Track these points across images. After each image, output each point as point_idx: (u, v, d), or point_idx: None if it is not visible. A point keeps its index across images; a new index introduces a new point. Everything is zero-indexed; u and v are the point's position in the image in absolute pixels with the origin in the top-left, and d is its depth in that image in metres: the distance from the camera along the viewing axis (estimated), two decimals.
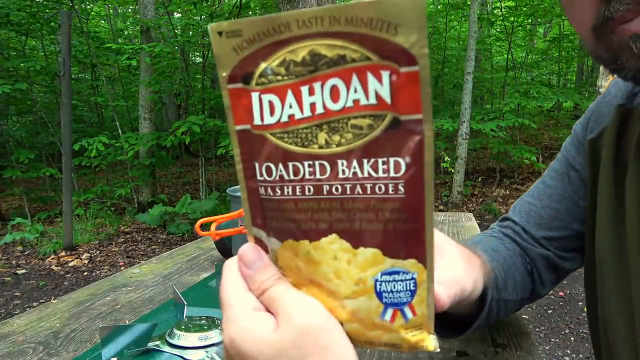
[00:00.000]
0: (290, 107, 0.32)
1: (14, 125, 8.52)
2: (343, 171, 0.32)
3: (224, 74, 0.33)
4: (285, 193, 0.33)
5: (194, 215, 5.30)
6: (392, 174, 0.31)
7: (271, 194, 0.34)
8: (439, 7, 9.46)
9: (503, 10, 7.90)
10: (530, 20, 8.45)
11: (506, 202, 6.30)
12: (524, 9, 7.32)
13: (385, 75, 0.29)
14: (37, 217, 5.82)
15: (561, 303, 3.36)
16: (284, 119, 0.32)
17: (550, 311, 3.23)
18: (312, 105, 0.31)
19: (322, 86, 0.31)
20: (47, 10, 6.12)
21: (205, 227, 0.93)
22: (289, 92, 0.31)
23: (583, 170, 0.65)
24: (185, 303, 0.77)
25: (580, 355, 2.64)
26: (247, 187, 0.35)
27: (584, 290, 0.63)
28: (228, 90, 0.33)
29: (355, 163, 0.31)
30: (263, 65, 0.31)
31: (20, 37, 6.60)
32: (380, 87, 0.30)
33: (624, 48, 0.41)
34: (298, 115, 0.32)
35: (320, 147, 0.32)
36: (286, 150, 0.32)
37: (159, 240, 5.14)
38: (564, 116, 10.09)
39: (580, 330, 2.93)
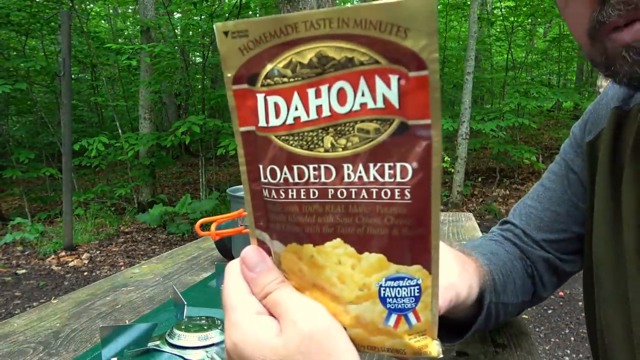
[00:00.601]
0: (296, 109, 0.31)
1: (14, 125, 8.52)
2: (349, 175, 0.31)
3: (229, 75, 0.33)
4: (290, 196, 0.33)
5: (194, 215, 5.30)
6: (398, 179, 0.31)
7: (275, 196, 0.34)
8: (439, 7, 9.45)
9: (503, 10, 7.90)
10: (530, 20, 8.45)
11: (506, 202, 6.30)
12: (524, 9, 7.31)
13: (393, 79, 0.29)
14: (37, 217, 5.82)
15: (561, 303, 3.36)
16: (290, 121, 0.32)
17: (550, 311, 3.24)
18: (319, 108, 0.31)
19: (329, 89, 0.30)
20: (47, 11, 6.12)
21: (205, 227, 0.93)
22: (295, 94, 0.31)
23: (582, 173, 0.65)
24: (185, 303, 0.77)
25: (580, 355, 2.64)
26: (250, 189, 0.35)
27: (582, 291, 0.63)
28: (233, 91, 0.33)
29: (361, 167, 0.31)
30: (269, 67, 0.31)
31: (20, 37, 6.60)
32: (389, 91, 0.29)
33: (618, 56, 0.42)
34: (304, 118, 0.31)
35: (326, 150, 0.31)
36: (291, 153, 0.32)
37: (159, 240, 5.14)
38: (564, 116, 10.08)
39: (580, 330, 2.93)
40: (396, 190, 0.31)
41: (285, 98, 0.31)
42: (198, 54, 8.02)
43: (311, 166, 0.32)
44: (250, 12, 6.63)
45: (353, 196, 0.32)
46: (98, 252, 4.76)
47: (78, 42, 7.32)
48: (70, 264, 4.39)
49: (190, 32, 6.58)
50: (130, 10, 10.56)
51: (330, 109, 0.31)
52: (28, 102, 7.31)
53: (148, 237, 5.26)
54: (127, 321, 0.78)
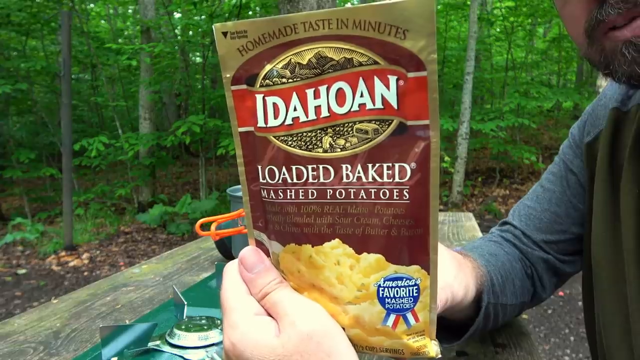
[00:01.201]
0: (295, 110, 0.31)
1: (14, 126, 8.52)
2: (347, 176, 0.32)
3: (228, 75, 0.33)
4: (288, 196, 0.33)
5: (194, 215, 5.30)
6: (397, 179, 0.31)
7: (273, 197, 0.34)
8: (439, 7, 9.45)
9: (503, 10, 7.90)
10: (530, 20, 8.44)
11: (506, 202, 6.29)
12: (524, 9, 7.31)
13: (392, 80, 0.29)
14: (37, 217, 5.82)
15: (561, 303, 3.36)
16: (288, 121, 0.32)
17: (550, 311, 3.24)
18: (317, 109, 0.31)
19: (327, 89, 0.31)
20: (47, 11, 6.12)
21: (205, 227, 0.93)
22: (294, 95, 0.31)
23: (581, 174, 0.65)
24: (185, 303, 0.77)
25: (580, 355, 2.64)
26: (249, 189, 0.35)
27: (582, 291, 0.64)
28: (232, 92, 0.33)
29: (359, 168, 0.31)
30: (268, 67, 0.31)
31: (20, 37, 6.60)
32: (387, 91, 0.30)
33: (616, 54, 0.41)
34: (303, 119, 0.31)
35: (325, 151, 0.32)
36: (290, 153, 0.32)
37: (159, 240, 5.14)
38: (564, 116, 10.08)
39: (580, 330, 2.93)
40: (395, 191, 0.31)
41: (284, 98, 0.32)
42: (198, 54, 8.01)
43: (310, 167, 0.32)
44: (250, 12, 6.62)
45: (352, 196, 0.32)
46: (98, 252, 4.76)
47: (78, 42, 7.32)
48: (71, 264, 4.39)
49: (190, 32, 6.58)
50: (130, 11, 10.57)
51: (329, 110, 0.31)
52: (28, 102, 7.31)
53: (148, 237, 5.26)
54: (127, 321, 0.78)
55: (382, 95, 0.30)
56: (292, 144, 0.32)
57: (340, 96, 0.31)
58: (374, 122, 0.30)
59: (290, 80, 0.31)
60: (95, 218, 5.83)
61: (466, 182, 6.69)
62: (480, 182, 7.36)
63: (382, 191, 0.31)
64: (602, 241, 0.54)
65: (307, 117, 0.31)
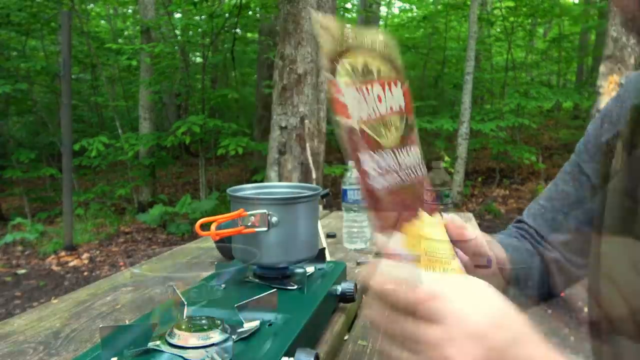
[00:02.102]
0: (377, 102, 0.43)
1: (14, 126, 8.52)
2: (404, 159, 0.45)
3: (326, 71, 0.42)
4: (385, 183, 0.43)
5: (194, 215, 5.30)
6: (416, 159, 0.45)
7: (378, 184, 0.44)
8: (439, 7, 9.45)
9: (503, 10, 7.89)
10: (530, 21, 8.44)
11: (506, 202, 6.29)
12: (524, 9, 7.31)
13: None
14: (37, 217, 5.82)
15: (561, 303, 3.36)
16: (373, 114, 0.42)
17: (550, 311, 3.24)
18: (382, 104, 0.43)
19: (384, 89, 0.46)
20: (47, 11, 6.12)
21: (205, 227, 0.93)
22: (372, 90, 0.42)
23: (593, 175, 0.65)
24: (186, 303, 0.77)
25: (580, 355, 2.64)
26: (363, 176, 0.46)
27: (587, 291, 0.63)
28: (330, 82, 0.42)
29: (405, 152, 0.44)
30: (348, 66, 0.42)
31: (20, 37, 6.60)
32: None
33: None
34: (382, 111, 0.42)
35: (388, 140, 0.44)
36: (375, 141, 0.43)
37: (159, 240, 5.14)
38: (564, 116, 10.08)
39: (580, 330, 2.93)
40: (418, 169, 0.46)
41: (366, 94, 0.43)
42: (198, 54, 8.02)
43: (387, 154, 0.44)
44: (250, 12, 6.62)
45: (412, 176, 0.46)
46: (98, 252, 4.76)
47: (78, 42, 7.32)
48: (70, 264, 4.39)
49: (190, 32, 6.58)
50: (130, 11, 10.57)
51: (384, 107, 0.44)
52: (28, 102, 7.30)
53: (148, 237, 5.26)
54: (127, 321, 0.78)
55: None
56: (373, 132, 0.42)
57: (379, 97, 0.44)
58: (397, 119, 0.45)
59: (365, 79, 0.42)
60: (95, 218, 5.82)
61: (466, 182, 6.69)
62: (480, 182, 7.36)
63: (415, 169, 0.46)
64: (616, 242, 0.54)
65: (381, 112, 0.42)
